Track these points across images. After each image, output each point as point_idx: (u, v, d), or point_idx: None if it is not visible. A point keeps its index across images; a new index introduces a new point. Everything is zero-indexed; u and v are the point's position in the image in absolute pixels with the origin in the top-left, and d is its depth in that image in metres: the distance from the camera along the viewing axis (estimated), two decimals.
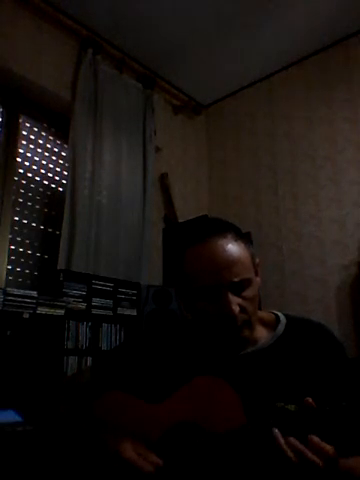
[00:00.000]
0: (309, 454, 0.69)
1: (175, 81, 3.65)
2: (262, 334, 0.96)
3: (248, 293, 0.88)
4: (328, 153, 3.17)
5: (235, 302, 0.86)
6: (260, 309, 0.98)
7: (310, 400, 0.74)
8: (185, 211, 3.42)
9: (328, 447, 0.69)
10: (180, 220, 3.32)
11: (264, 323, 0.98)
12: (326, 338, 0.95)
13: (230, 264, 0.86)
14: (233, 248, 0.88)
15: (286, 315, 1.00)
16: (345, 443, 0.72)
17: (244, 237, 0.93)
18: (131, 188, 3.09)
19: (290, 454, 0.70)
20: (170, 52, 3.32)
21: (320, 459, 0.68)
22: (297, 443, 0.70)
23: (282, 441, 0.71)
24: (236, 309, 0.86)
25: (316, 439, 0.70)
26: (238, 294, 0.87)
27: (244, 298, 0.88)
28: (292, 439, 0.71)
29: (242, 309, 0.87)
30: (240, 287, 0.87)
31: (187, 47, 3.27)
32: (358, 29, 3.13)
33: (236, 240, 0.90)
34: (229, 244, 0.88)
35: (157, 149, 3.39)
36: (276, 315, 1.00)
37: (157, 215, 3.34)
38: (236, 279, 0.86)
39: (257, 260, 0.95)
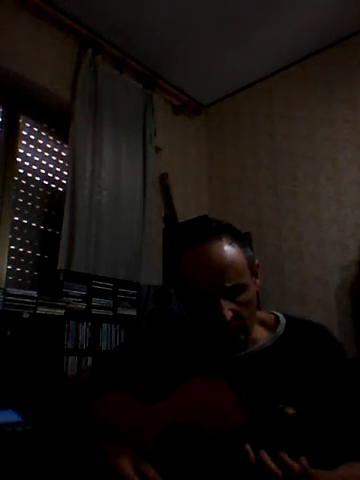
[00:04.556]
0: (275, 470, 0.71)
1: (175, 81, 3.65)
2: (262, 335, 0.95)
3: (243, 298, 0.87)
4: (328, 153, 3.17)
5: (228, 308, 0.85)
6: (260, 309, 0.98)
7: (290, 411, 0.75)
8: (185, 211, 3.42)
9: (295, 465, 0.71)
10: (180, 220, 3.32)
11: (264, 324, 0.98)
12: (326, 339, 0.95)
13: (223, 269, 0.85)
14: (227, 252, 0.87)
15: (286, 315, 1.00)
16: (344, 445, 0.72)
17: (240, 239, 0.92)
18: (131, 188, 3.08)
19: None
20: (170, 52, 3.32)
21: (286, 477, 0.70)
22: (267, 459, 0.72)
23: (252, 456, 0.73)
24: (228, 315, 0.85)
25: (284, 456, 0.72)
26: (232, 299, 0.86)
27: (239, 303, 0.87)
28: (265, 454, 0.72)
29: (236, 314, 0.87)
30: (234, 292, 0.86)
31: (187, 47, 3.27)
32: (358, 29, 3.13)
33: (231, 243, 0.88)
34: (223, 248, 0.87)
35: (157, 149, 3.39)
36: (276, 315, 1.00)
37: (157, 215, 3.34)
38: (229, 284, 0.85)
39: (256, 261, 0.94)
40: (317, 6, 2.90)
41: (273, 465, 0.71)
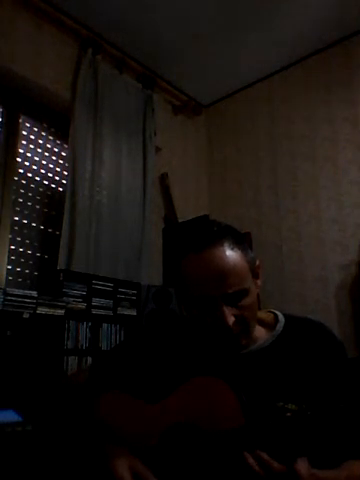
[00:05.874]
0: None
1: (175, 81, 3.65)
2: (261, 334, 0.95)
3: (245, 302, 0.87)
4: (328, 153, 3.17)
5: (230, 313, 0.85)
6: (260, 309, 0.98)
7: (291, 409, 0.75)
8: (185, 211, 3.42)
9: (275, 464, 0.72)
10: (180, 220, 3.32)
11: (263, 323, 0.98)
12: (325, 337, 0.95)
13: (224, 275, 0.85)
14: (229, 258, 0.86)
15: (284, 314, 1.00)
16: (345, 444, 0.72)
17: (242, 242, 0.91)
18: (131, 188, 3.09)
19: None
20: (170, 52, 3.32)
21: (267, 475, 0.71)
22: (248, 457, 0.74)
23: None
24: (231, 320, 0.85)
25: (264, 456, 0.73)
26: (234, 304, 0.86)
27: (240, 307, 0.87)
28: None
29: (238, 319, 0.87)
30: (235, 298, 0.86)
31: (187, 47, 3.27)
32: (358, 29, 3.13)
33: (233, 248, 0.87)
34: (225, 254, 0.86)
35: (157, 149, 3.39)
36: (275, 314, 1.00)
37: (157, 215, 3.34)
38: (230, 291, 0.85)
39: (257, 263, 0.94)
40: (317, 6, 2.90)
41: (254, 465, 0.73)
